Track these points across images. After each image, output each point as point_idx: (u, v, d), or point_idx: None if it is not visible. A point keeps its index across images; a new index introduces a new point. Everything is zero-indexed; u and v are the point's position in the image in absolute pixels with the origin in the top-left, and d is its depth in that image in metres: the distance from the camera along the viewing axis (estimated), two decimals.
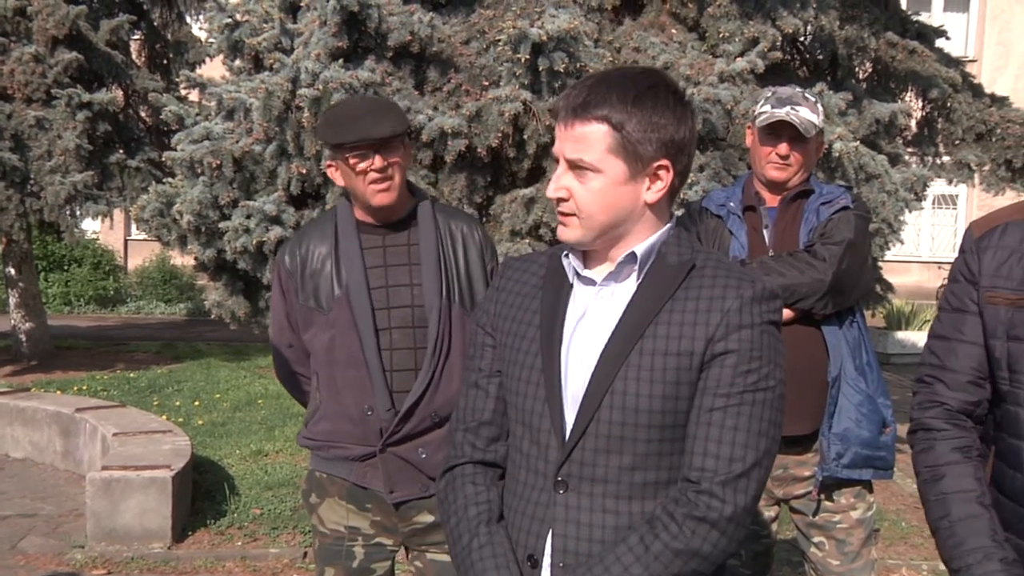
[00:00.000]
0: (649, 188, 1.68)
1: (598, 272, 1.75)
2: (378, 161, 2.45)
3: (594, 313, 1.72)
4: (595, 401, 1.66)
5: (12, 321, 11.05)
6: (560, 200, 1.70)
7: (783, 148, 2.89)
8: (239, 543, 5.09)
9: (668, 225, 1.74)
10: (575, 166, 1.67)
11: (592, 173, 1.66)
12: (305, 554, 4.90)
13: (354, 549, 2.59)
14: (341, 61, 5.07)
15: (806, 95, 2.94)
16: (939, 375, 1.86)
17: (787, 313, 2.72)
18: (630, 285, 1.71)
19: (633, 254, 1.70)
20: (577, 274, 1.75)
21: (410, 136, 2.56)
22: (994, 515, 1.75)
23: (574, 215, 1.69)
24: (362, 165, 2.46)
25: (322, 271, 2.55)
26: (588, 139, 1.65)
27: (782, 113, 2.86)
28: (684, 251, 1.71)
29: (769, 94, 2.98)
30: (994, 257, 1.80)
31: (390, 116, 2.46)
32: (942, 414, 1.84)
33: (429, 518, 2.54)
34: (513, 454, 1.80)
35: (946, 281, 1.97)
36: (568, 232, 1.71)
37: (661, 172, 1.67)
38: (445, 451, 1.93)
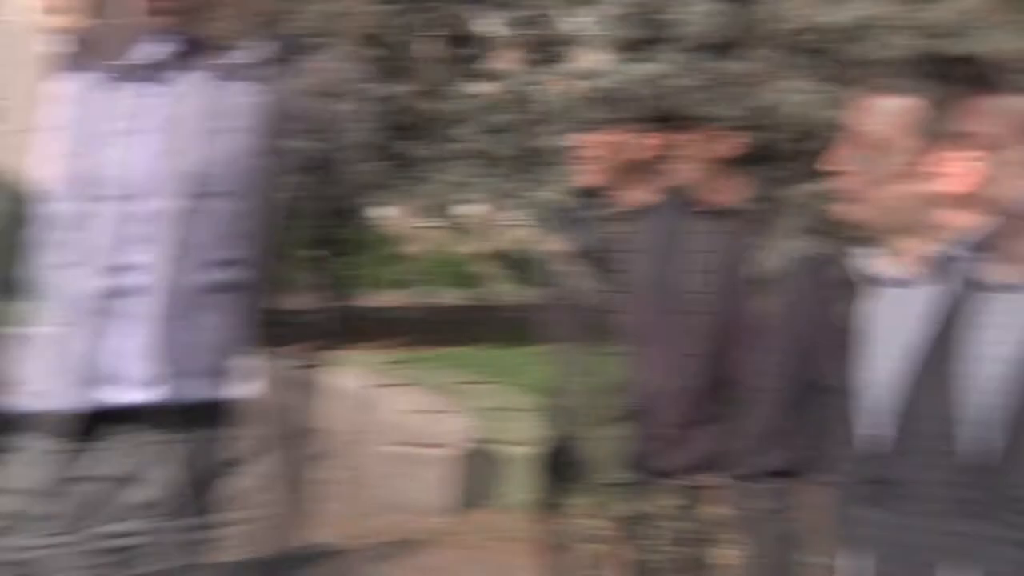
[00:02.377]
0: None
1: (902, 270, 1.62)
2: None
3: (900, 317, 1.61)
4: (915, 412, 1.56)
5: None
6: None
7: None
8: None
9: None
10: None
11: None
12: None
13: None
14: None
15: None
16: None
17: None
18: (937, 285, 1.58)
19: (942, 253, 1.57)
20: (882, 275, 1.64)
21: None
22: None
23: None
24: None
25: None
26: None
27: None
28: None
29: None
30: None
31: None
32: None
33: None
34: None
35: None
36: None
37: None
38: None
